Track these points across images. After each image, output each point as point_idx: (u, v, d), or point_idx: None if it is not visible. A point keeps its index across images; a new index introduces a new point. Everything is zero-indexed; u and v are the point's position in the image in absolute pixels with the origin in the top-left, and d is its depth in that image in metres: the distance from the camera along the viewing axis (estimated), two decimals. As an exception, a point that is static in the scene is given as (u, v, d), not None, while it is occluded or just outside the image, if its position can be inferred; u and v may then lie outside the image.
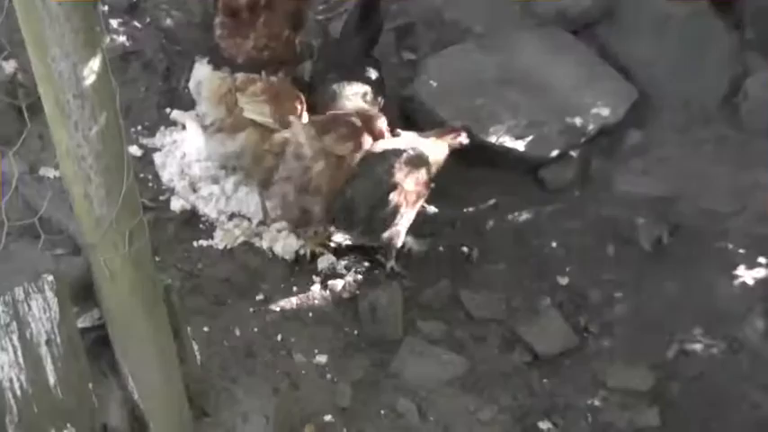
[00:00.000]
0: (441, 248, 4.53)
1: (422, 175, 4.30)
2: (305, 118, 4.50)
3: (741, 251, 4.45)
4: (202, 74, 4.21)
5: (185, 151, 4.60)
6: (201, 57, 4.34)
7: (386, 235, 4.26)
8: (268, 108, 4.30)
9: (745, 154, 4.82)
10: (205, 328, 3.96)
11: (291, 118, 4.25)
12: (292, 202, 4.26)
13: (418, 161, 4.30)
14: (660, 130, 5.00)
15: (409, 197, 4.26)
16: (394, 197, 4.21)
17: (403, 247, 4.41)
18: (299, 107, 4.44)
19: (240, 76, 4.36)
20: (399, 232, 4.30)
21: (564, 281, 4.43)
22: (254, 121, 4.28)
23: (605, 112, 4.92)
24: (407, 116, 4.92)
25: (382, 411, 3.92)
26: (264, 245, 4.35)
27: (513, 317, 4.29)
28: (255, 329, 4.05)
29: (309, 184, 4.22)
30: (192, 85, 4.26)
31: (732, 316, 4.23)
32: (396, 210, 4.23)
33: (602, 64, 5.15)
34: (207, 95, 4.22)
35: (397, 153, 4.28)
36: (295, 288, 4.25)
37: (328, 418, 3.87)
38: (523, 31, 5.23)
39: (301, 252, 4.37)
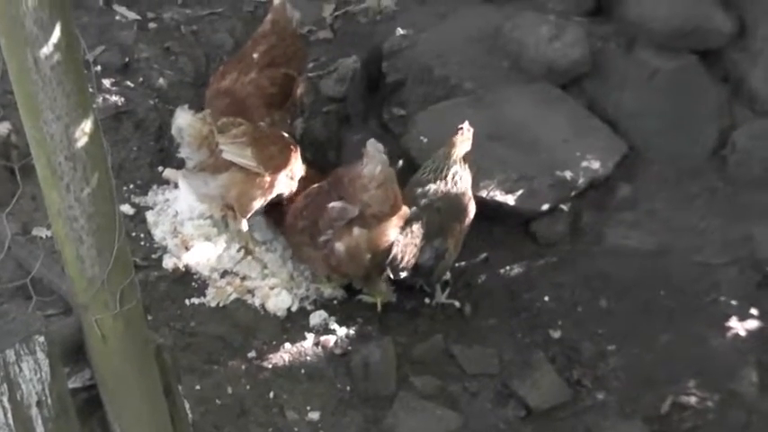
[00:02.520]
0: (433, 303, 4.54)
1: (462, 213, 4.44)
2: (299, 168, 4.54)
3: (733, 303, 4.47)
4: (183, 120, 4.22)
5: (177, 209, 4.61)
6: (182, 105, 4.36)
7: (434, 277, 4.41)
8: (249, 150, 4.31)
9: (735, 206, 4.85)
10: (197, 387, 3.96)
11: (369, 144, 4.20)
12: (364, 247, 4.24)
13: (457, 202, 4.42)
14: (650, 183, 5.03)
15: (454, 237, 4.38)
16: (439, 243, 4.33)
17: (447, 281, 4.54)
18: (287, 154, 4.46)
19: (223, 118, 4.39)
20: (445, 269, 4.42)
21: (556, 334, 4.43)
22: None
23: (595, 165, 4.95)
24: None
25: (376, 468, 3.92)
26: (257, 302, 4.35)
27: (505, 371, 4.28)
28: (248, 387, 4.04)
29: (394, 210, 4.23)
30: (173, 131, 4.27)
31: (726, 368, 4.23)
32: (442, 252, 4.34)
33: (591, 118, 5.19)
34: (189, 140, 4.23)
35: (434, 199, 4.39)
36: (287, 345, 4.24)
37: (322, 476, 3.86)
38: (512, 86, 5.28)
39: (294, 309, 4.38)
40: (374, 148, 4.16)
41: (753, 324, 4.36)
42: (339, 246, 4.24)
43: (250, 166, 4.33)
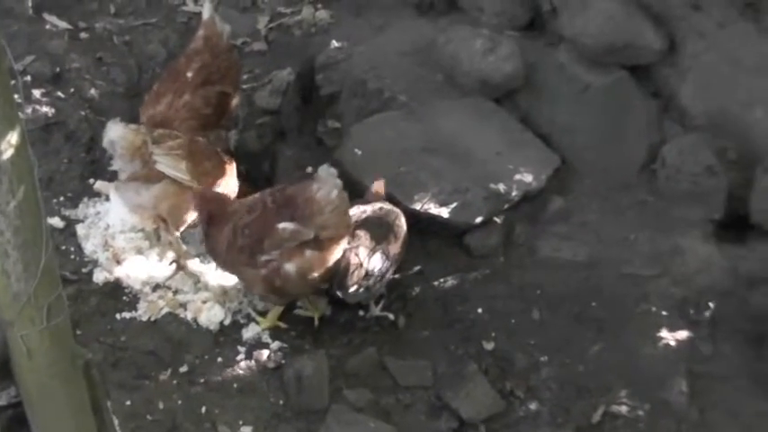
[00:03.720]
0: (367, 316, 4.54)
1: (400, 230, 4.44)
2: (234, 184, 4.52)
3: (663, 313, 4.52)
4: (115, 132, 4.18)
5: (109, 222, 4.58)
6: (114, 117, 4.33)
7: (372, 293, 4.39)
8: (184, 164, 4.29)
9: (664, 219, 4.91)
10: (127, 402, 3.93)
11: (321, 170, 4.14)
12: (316, 268, 4.21)
13: (394, 220, 4.45)
14: (582, 196, 5.07)
15: (393, 256, 4.38)
16: (379, 262, 4.32)
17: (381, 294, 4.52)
18: (222, 169, 4.44)
19: (159, 129, 4.35)
20: (383, 285, 4.42)
21: (490, 346, 4.45)
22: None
23: (528, 178, 4.98)
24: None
25: (308, 481, 3.91)
26: (189, 315, 4.33)
27: (439, 383, 4.29)
28: (179, 402, 4.02)
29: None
30: (105, 144, 4.24)
31: (656, 378, 4.28)
32: (385, 272, 4.34)
33: (525, 131, 5.22)
34: (122, 152, 4.19)
35: (375, 219, 4.41)
36: (220, 359, 4.23)
37: (253, 490, 3.84)
38: (446, 99, 5.30)
39: (226, 322, 4.35)
40: (326, 172, 4.11)
41: (682, 334, 4.42)
42: (290, 267, 4.16)
43: (184, 180, 4.30)
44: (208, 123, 4.73)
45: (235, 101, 4.95)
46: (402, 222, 4.51)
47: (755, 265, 4.60)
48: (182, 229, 4.38)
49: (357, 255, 4.29)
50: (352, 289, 4.29)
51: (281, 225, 4.14)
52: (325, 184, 4.10)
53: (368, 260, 4.31)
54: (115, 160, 4.23)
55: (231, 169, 4.50)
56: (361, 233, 4.34)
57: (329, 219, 4.12)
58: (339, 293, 4.32)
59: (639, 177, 5.11)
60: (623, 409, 4.20)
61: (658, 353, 4.38)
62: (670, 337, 4.42)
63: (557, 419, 4.19)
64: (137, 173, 4.24)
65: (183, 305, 4.35)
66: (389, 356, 4.38)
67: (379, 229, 4.41)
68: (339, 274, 4.28)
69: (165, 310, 4.31)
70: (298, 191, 4.20)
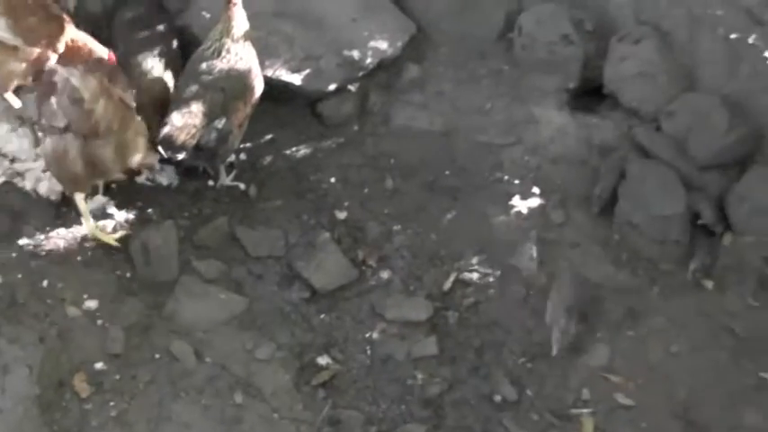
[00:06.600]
0: (217, 185, 4.45)
1: (247, 92, 4.31)
2: (65, 41, 4.28)
3: (516, 182, 4.56)
4: None
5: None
6: None
7: (218, 159, 4.28)
8: (3, 20, 4.05)
9: (520, 88, 4.93)
10: (-37, 277, 3.79)
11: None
12: (77, 154, 3.98)
13: (242, 80, 4.29)
14: (438, 64, 5.04)
15: (239, 117, 4.25)
16: (223, 123, 4.19)
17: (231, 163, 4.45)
18: (51, 26, 4.19)
19: None
20: (230, 151, 4.29)
21: (342, 215, 4.44)
22: None
23: (383, 45, 4.92)
24: (182, 48, 4.75)
25: (157, 355, 3.88)
26: (28, 185, 4.19)
27: (291, 253, 4.28)
28: (19, 276, 3.92)
29: (97, 127, 3.96)
30: None
31: (507, 245, 4.34)
32: (226, 134, 4.20)
33: (380, -3, 5.13)
34: None
35: (218, 78, 4.24)
36: (62, 230, 4.12)
37: (100, 365, 3.80)
38: (300, -38, 5.14)
39: (68, 193, 4.20)
40: None
41: (534, 202, 4.48)
42: None
43: (5, 39, 4.07)
44: None
45: None
46: (258, 86, 4.37)
47: (608, 134, 4.67)
48: (9, 91, 4.15)
49: (179, 129, 4.11)
50: (177, 156, 4.15)
51: None
52: None
53: (194, 135, 4.14)
54: None
55: (63, 24, 4.24)
56: (193, 108, 4.16)
57: None
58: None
59: (496, 46, 5.11)
60: (474, 276, 4.25)
61: (510, 220, 4.43)
62: (522, 204, 4.48)
63: (409, 287, 4.22)
64: None
65: (21, 174, 4.20)
66: (240, 226, 4.33)
67: (223, 97, 4.24)
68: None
69: (2, 179, 4.15)
70: None
